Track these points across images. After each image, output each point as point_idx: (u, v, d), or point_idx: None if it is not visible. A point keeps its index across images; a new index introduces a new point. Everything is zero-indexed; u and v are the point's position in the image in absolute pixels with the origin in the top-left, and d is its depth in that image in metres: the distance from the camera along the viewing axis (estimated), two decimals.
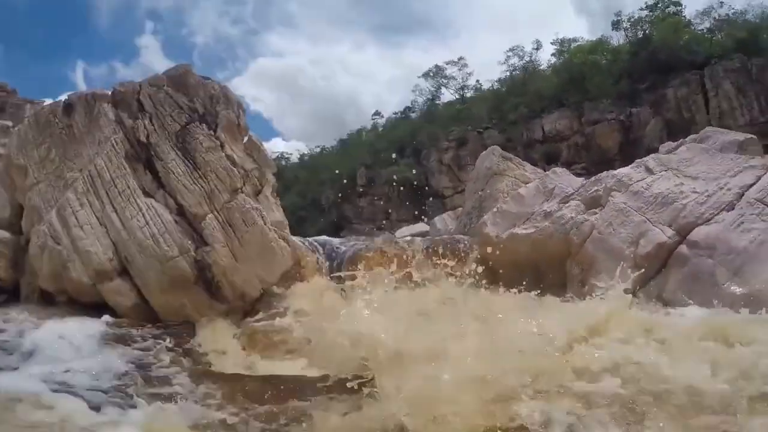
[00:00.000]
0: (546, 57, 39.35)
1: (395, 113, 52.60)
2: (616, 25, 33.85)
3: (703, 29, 30.96)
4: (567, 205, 7.27)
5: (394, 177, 37.06)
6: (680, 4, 31.38)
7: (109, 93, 7.68)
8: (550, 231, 7.09)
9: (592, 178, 7.59)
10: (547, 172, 8.36)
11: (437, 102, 44.95)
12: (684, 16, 31.39)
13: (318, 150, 60.17)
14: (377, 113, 54.32)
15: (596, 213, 6.85)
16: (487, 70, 66.66)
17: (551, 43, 37.68)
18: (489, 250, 6.87)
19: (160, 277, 6.40)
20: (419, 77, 45.18)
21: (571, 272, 6.95)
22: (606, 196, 6.93)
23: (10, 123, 9.75)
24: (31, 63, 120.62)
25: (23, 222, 7.69)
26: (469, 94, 42.92)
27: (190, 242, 6.48)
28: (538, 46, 39.26)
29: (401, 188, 37.30)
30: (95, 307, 6.76)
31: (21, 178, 7.78)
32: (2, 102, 22.05)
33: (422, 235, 10.48)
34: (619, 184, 6.93)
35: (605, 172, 7.48)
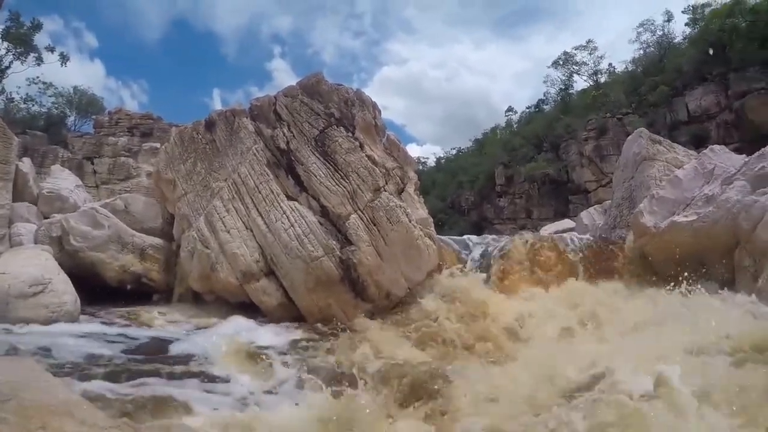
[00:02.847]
0: (680, 28, 37.09)
1: (528, 107, 52.91)
2: None
3: None
4: (731, 186, 6.83)
5: (533, 174, 36.84)
6: None
7: (247, 108, 8.57)
8: (714, 217, 6.72)
9: (757, 154, 7.04)
10: (704, 151, 7.94)
11: (570, 91, 43.66)
12: None
13: (454, 152, 63.50)
14: (510, 109, 55.38)
15: (767, 193, 6.36)
16: (619, 50, 63.45)
17: (683, 12, 35.36)
18: (645, 242, 6.66)
19: (306, 277, 6.94)
20: (548, 67, 44.35)
21: (741, 264, 6.52)
22: None
23: (158, 145, 11.07)
24: (172, 94, 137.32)
25: (174, 230, 8.81)
26: (602, 78, 41.25)
27: (334, 242, 7.00)
28: (669, 18, 37.02)
29: (542, 185, 36.87)
30: (241, 306, 7.59)
31: (170, 190, 8.88)
32: (150, 128, 25.57)
33: (568, 231, 10.39)
34: None
35: None
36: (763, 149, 7.02)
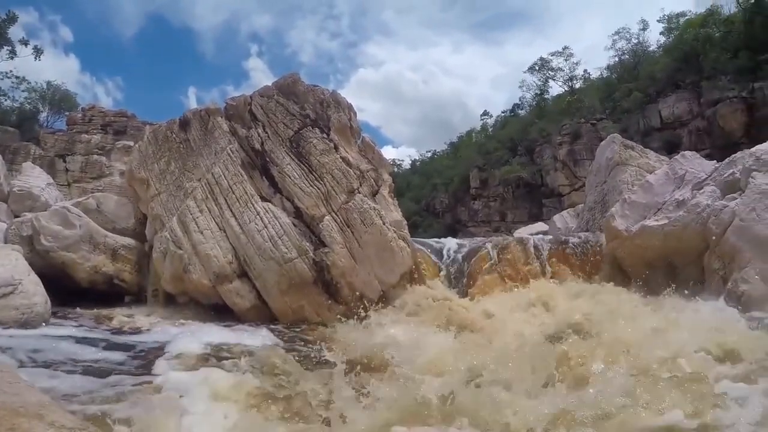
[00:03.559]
0: (655, 37, 38.06)
1: (504, 111, 53.70)
2: None
3: None
4: (701, 191, 6.92)
5: (508, 177, 37.38)
6: None
7: (222, 107, 8.48)
8: (685, 221, 6.78)
9: (726, 160, 7.15)
10: (676, 157, 8.06)
11: (546, 96, 44.62)
12: None
13: (429, 155, 64.37)
14: (486, 113, 55.99)
15: (736, 198, 6.42)
16: (595, 57, 64.41)
17: (658, 21, 36.16)
18: (617, 245, 6.70)
19: (279, 278, 6.89)
20: (524, 72, 45.13)
21: (710, 267, 6.59)
22: (745, 178, 6.46)
23: (131, 143, 10.86)
24: (147, 92, 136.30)
25: (147, 230, 8.66)
26: (578, 84, 42.04)
27: (308, 244, 6.95)
28: (644, 26, 37.81)
29: (516, 188, 37.38)
30: (214, 308, 7.48)
31: (143, 190, 8.73)
32: (124, 125, 25.13)
33: (542, 234, 10.49)
34: (759, 163, 6.42)
35: (740, 151, 7.04)
36: (733, 155, 7.12)
